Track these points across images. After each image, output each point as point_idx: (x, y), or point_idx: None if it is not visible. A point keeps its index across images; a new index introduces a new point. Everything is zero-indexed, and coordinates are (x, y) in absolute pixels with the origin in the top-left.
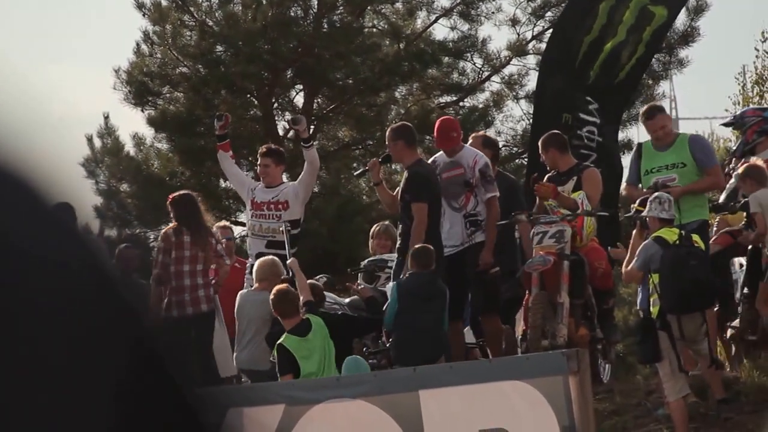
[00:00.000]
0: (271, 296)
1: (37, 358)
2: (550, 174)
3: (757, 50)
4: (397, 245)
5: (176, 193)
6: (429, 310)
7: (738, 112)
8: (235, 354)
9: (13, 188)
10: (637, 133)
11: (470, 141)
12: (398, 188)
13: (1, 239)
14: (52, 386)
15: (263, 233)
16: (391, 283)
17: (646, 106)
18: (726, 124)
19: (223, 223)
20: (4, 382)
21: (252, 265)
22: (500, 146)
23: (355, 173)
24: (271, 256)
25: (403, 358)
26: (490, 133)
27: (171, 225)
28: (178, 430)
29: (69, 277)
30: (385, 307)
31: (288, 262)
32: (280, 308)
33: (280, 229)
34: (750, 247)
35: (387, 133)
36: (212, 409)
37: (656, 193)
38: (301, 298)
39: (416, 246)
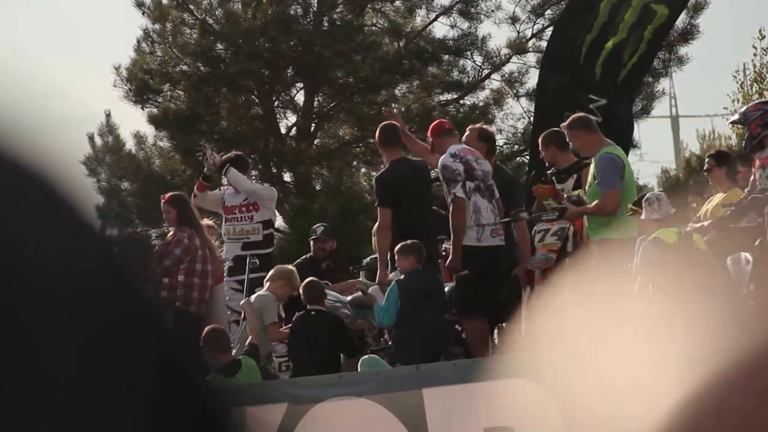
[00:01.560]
0: (203, 333)
1: (52, 363)
2: (550, 171)
3: (755, 48)
4: None
5: (173, 193)
6: (430, 308)
7: (742, 109)
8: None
9: (26, 184)
10: (638, 130)
11: (467, 134)
12: None
13: (14, 239)
14: (68, 393)
15: (237, 236)
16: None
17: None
18: (734, 122)
19: (207, 222)
20: (19, 391)
21: (230, 268)
22: (496, 139)
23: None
24: (291, 267)
25: (405, 356)
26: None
27: (178, 226)
28: (199, 429)
29: (85, 278)
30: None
31: (241, 302)
32: (206, 343)
33: (248, 266)
34: (756, 242)
35: None
36: (229, 406)
37: (648, 194)
38: (249, 338)
39: (406, 243)
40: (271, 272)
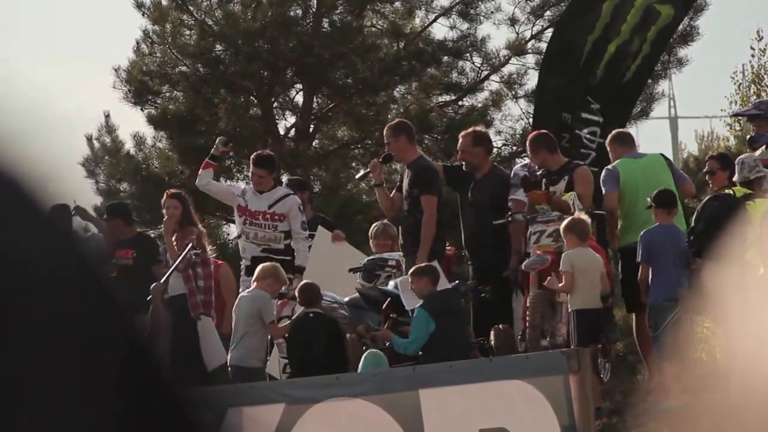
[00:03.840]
0: None
1: (31, 369)
2: (541, 172)
3: (753, 49)
4: (401, 243)
5: (178, 191)
6: (460, 324)
7: (763, 104)
8: (229, 353)
9: (7, 193)
10: (636, 132)
11: (460, 142)
12: (394, 191)
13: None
14: (46, 397)
15: (259, 241)
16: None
17: None
18: (742, 114)
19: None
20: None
21: (247, 267)
22: (491, 139)
23: (356, 176)
24: (274, 263)
25: None
26: (490, 132)
27: (181, 226)
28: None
29: (64, 286)
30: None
31: (152, 286)
32: None
33: (191, 253)
34: None
35: (385, 131)
36: (208, 409)
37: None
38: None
39: (420, 266)
40: (257, 272)
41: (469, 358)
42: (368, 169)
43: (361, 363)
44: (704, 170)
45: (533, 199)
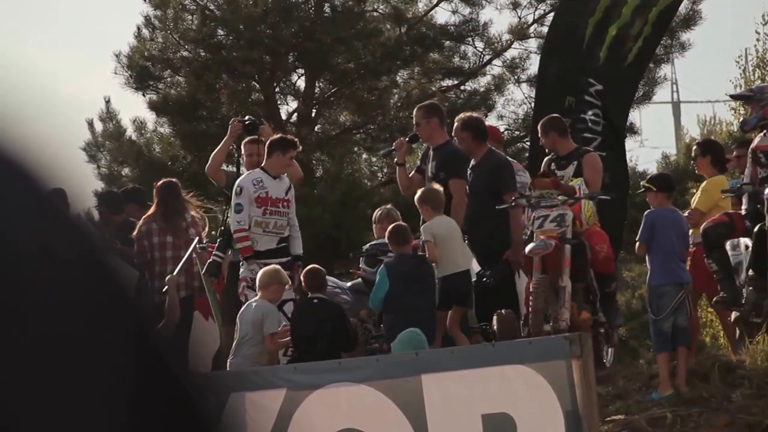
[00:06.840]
0: None
1: (31, 353)
2: (549, 156)
3: (758, 33)
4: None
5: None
6: (420, 292)
7: (756, 86)
8: (229, 359)
9: (6, 175)
10: (639, 116)
11: (456, 124)
12: (414, 172)
13: None
14: (47, 381)
15: (277, 230)
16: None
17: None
18: (738, 96)
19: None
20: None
21: (258, 252)
22: (481, 125)
23: (379, 153)
24: (275, 265)
25: (394, 340)
26: (492, 117)
27: (149, 213)
28: (176, 418)
29: (64, 269)
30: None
31: (167, 278)
32: None
33: (197, 247)
34: (756, 228)
35: (416, 112)
36: (210, 395)
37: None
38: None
39: (393, 224)
40: (259, 278)
41: (431, 329)
42: (392, 147)
43: (396, 341)
44: (691, 156)
45: (540, 186)
